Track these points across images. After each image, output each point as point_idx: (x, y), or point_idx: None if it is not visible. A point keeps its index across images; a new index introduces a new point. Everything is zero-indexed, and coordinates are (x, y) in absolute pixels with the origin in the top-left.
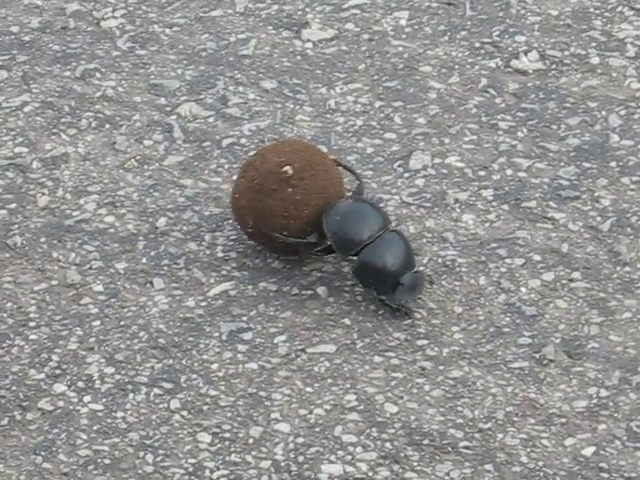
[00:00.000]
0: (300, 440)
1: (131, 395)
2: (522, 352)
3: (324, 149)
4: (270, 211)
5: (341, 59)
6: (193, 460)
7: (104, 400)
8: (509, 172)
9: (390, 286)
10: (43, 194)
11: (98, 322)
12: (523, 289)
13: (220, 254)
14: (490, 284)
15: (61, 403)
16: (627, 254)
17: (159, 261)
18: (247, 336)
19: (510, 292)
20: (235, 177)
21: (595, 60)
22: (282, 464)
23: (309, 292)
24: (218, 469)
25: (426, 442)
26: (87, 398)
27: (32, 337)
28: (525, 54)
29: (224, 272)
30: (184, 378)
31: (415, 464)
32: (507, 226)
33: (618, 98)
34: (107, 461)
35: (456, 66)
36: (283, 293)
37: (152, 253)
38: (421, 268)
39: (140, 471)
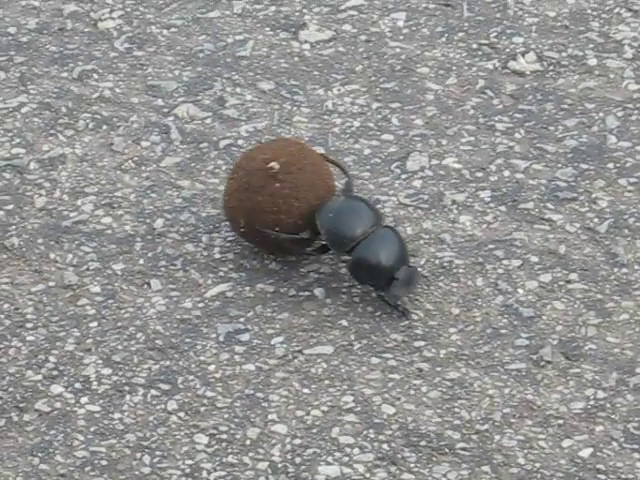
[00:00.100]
0: (297, 441)
1: (128, 396)
2: (519, 353)
3: (322, 150)
4: (260, 207)
5: (338, 60)
6: (190, 461)
7: (101, 401)
8: (506, 173)
9: (385, 281)
10: (40, 195)
11: (95, 323)
12: (520, 290)
13: (217, 255)
14: (487, 285)
15: (58, 404)
16: (624, 255)
17: (156, 262)
18: (244, 337)
19: (507, 293)
20: None
21: (593, 61)
22: (279, 465)
23: (306, 293)
24: (215, 470)
25: (423, 443)
26: (84, 399)
27: (29, 338)
28: (522, 55)
29: (221, 273)
30: (181, 379)
31: (412, 465)
32: (504, 227)
33: (615, 99)
34: (104, 462)
35: (453, 67)
36: (280, 294)
37: (149, 254)
38: (418, 269)
39: (137, 472)
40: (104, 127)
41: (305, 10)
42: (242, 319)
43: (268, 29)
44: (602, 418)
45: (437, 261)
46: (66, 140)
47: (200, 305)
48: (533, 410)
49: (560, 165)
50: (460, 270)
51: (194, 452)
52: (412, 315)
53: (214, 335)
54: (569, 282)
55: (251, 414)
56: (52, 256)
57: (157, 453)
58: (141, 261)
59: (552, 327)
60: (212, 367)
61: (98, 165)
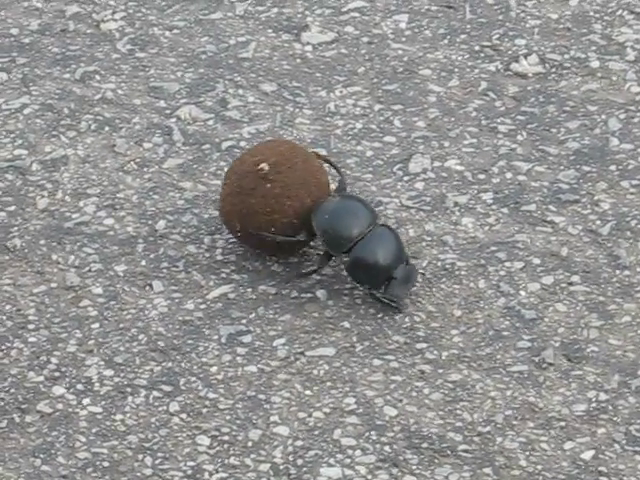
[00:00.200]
0: (299, 443)
1: (130, 398)
2: (521, 355)
3: (324, 152)
4: (253, 210)
5: (341, 62)
6: (192, 463)
7: (103, 403)
8: (509, 175)
9: (383, 281)
10: (42, 196)
11: (97, 325)
12: (522, 293)
13: (219, 257)
14: (489, 287)
15: (60, 406)
16: (626, 258)
17: (158, 264)
18: (246, 339)
19: (509, 295)
20: None
21: (595, 64)
22: (281, 467)
23: (308, 295)
24: (217, 472)
25: (425, 445)
26: (86, 401)
27: (31, 340)
28: (525, 57)
29: (223, 275)
30: (183, 381)
31: (414, 467)
32: (507, 229)
33: (618, 102)
34: (106, 464)
35: (456, 69)
36: (282, 296)
37: (151, 256)
38: (420, 272)
39: (139, 474)
40: (106, 128)
41: (307, 12)
42: (244, 321)
43: (270, 31)
44: (604, 420)
45: (439, 263)
46: (68, 141)
47: (202, 307)
48: (535, 412)
49: (562, 167)
50: (462, 272)
51: (196, 454)
52: (405, 311)
53: (216, 337)
54: (571, 284)
55: (253, 416)
56: (54, 257)
57: (159, 455)
58: (143, 262)
59: (554, 329)
60: (214, 369)
61: (100, 166)
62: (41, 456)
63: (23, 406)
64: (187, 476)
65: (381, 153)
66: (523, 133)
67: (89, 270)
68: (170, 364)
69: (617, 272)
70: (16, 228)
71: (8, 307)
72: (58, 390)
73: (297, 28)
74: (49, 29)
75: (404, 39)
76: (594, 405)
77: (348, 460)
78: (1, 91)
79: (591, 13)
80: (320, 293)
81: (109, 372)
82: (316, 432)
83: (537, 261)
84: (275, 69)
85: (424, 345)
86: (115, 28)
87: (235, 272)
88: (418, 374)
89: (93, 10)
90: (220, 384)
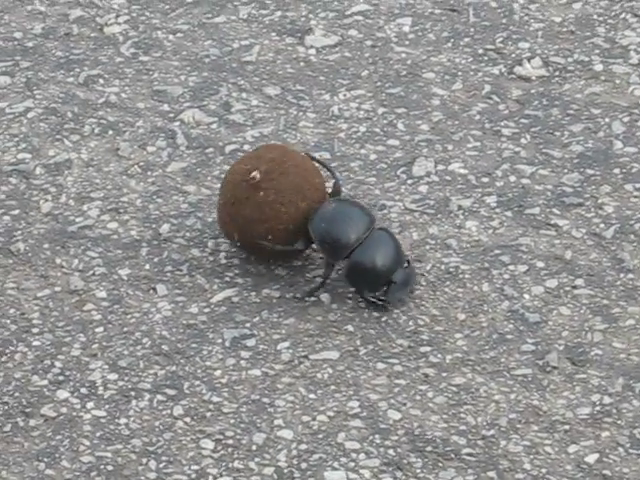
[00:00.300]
0: (303, 447)
1: (134, 401)
2: (525, 359)
3: (327, 155)
4: (249, 220)
5: (344, 65)
6: (196, 467)
7: (107, 406)
8: (512, 179)
9: (382, 285)
10: (46, 200)
11: (101, 328)
12: (526, 296)
13: (223, 260)
14: (493, 291)
15: (64, 409)
16: (630, 261)
17: (162, 267)
18: (250, 342)
19: (513, 299)
20: None
21: (598, 67)
22: (285, 471)
23: (312, 299)
24: (221, 476)
25: (429, 449)
26: (90, 404)
27: (35, 343)
28: (528, 61)
29: (227, 278)
30: (187, 385)
31: (418, 471)
32: (510, 233)
33: (621, 105)
34: (110, 467)
35: (459, 73)
36: (286, 300)
37: (155, 259)
38: (424, 275)
39: (143, 478)
40: (110, 132)
41: (311, 15)
42: (248, 324)
43: (274, 34)
44: (608, 424)
45: (443, 266)
46: (72, 145)
47: (206, 310)
48: (539, 416)
49: (566, 170)
50: (466, 275)
51: (200, 457)
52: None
53: (220, 340)
54: (575, 287)
55: (257, 419)
56: (58, 261)
57: (163, 458)
58: (147, 266)
59: (558, 332)
60: (218, 372)
61: (104, 170)
62: (45, 460)
63: (27, 410)
64: None
65: (385, 156)
66: (527, 136)
67: (93, 274)
68: (174, 368)
69: (621, 275)
70: (20, 232)
71: (12, 311)
72: (62, 394)
73: (301, 31)
74: (53, 33)
75: (408, 42)
76: (598, 408)
77: (352, 464)
78: (5, 95)
79: (594, 16)
80: (324, 297)
81: (113, 376)
82: (320, 436)
83: (541, 264)
84: (279, 72)
85: (428, 348)
86: (119, 32)
87: (239, 276)
88: (422, 377)
89: (97, 14)
90: (224, 388)
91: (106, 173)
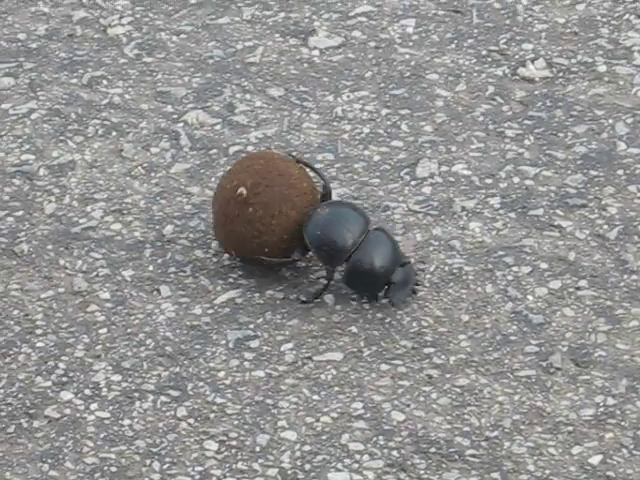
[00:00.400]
0: (307, 448)
1: (138, 403)
2: (529, 360)
3: (331, 157)
4: (243, 237)
5: (348, 67)
6: (200, 468)
7: (111, 408)
8: (516, 180)
9: (382, 287)
10: (50, 201)
11: (105, 330)
12: (530, 297)
13: (227, 262)
14: (497, 292)
15: (68, 411)
16: (634, 262)
17: (166, 269)
18: (254, 344)
19: (517, 300)
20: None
21: (602, 68)
22: (289, 472)
23: (316, 300)
24: (225, 477)
25: (433, 450)
26: (94, 406)
27: (39, 345)
28: (532, 62)
29: (231, 280)
30: (191, 386)
31: (422, 472)
32: (514, 234)
33: (625, 106)
34: (114, 469)
35: (463, 74)
36: (290, 301)
37: (159, 261)
38: (428, 276)
39: (147, 479)
40: (114, 133)
41: (314, 16)
42: (252, 325)
43: (277, 35)
44: (612, 425)
45: (447, 268)
46: (76, 146)
47: (210, 311)
48: (543, 417)
49: (570, 172)
50: (470, 277)
51: (204, 458)
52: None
53: (224, 341)
54: (579, 289)
55: (261, 420)
56: (62, 262)
57: (167, 460)
58: (151, 267)
59: (562, 334)
60: (222, 373)
61: (108, 171)
62: (49, 461)
63: (31, 411)
64: None
65: (388, 158)
66: (530, 137)
67: (97, 275)
68: (178, 369)
69: (625, 277)
70: (23, 233)
71: (16, 312)
72: (66, 395)
73: (304, 33)
74: (56, 34)
75: (411, 44)
76: (602, 410)
77: (356, 465)
78: (8, 96)
79: (598, 17)
80: (327, 298)
81: (117, 377)
82: (324, 437)
83: (544, 266)
84: (282, 74)
85: (432, 350)
86: (122, 33)
87: (242, 277)
88: (426, 379)
89: (100, 15)
90: (228, 389)
91: (110, 174)
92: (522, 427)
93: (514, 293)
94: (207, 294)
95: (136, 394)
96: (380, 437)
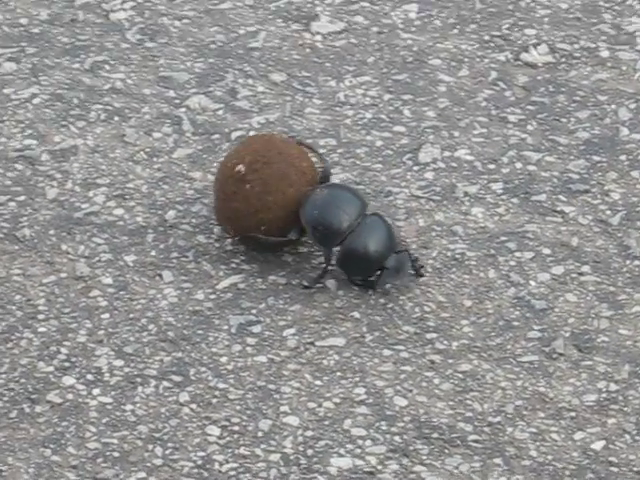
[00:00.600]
0: (309, 433)
1: (140, 388)
2: (532, 346)
3: (333, 142)
4: (240, 214)
5: (350, 52)
6: (202, 453)
7: (113, 393)
8: (519, 165)
9: (375, 271)
10: (52, 186)
11: (107, 315)
12: (532, 283)
13: (229, 247)
14: (499, 277)
15: (70, 396)
16: (637, 248)
17: (168, 254)
18: (256, 329)
19: (519, 286)
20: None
21: (605, 53)
22: (291, 457)
23: (318, 285)
24: (227, 462)
25: (435, 436)
26: (96, 391)
27: (41, 330)
28: (535, 47)
29: (233, 265)
30: (193, 371)
31: (424, 458)
32: (517, 219)
33: (628, 91)
34: (116, 454)
35: (466, 59)
36: (292, 286)
37: (161, 246)
38: (430, 262)
39: (149, 464)
40: (116, 118)
41: (317, 1)
42: (254, 311)
43: (280, 20)
44: (614, 411)
45: (449, 253)
46: (78, 131)
47: (212, 297)
48: (545, 402)
49: (572, 157)
50: (472, 262)
51: (206, 444)
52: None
53: (226, 327)
54: (581, 274)
55: (263, 406)
56: (64, 247)
57: (169, 445)
58: (153, 252)
59: (564, 319)
60: (224, 359)
61: (110, 156)
62: (51, 446)
63: (33, 396)
64: (197, 466)
65: (391, 143)
66: (533, 123)
67: (99, 260)
68: (180, 354)
69: (627, 262)
70: (26, 218)
71: (18, 297)
72: (68, 380)
73: (307, 18)
74: (58, 19)
75: (414, 29)
76: (604, 395)
77: (358, 450)
78: (10, 81)
79: (601, 3)
80: (330, 283)
81: (119, 362)
82: (326, 422)
83: (547, 251)
84: (284, 59)
85: (434, 335)
86: (124, 18)
87: (245, 262)
88: (428, 364)
89: (102, 0)
90: (230, 374)
91: (112, 159)
92: (525, 413)
93: (517, 278)
94: (209, 279)
95: (138, 379)
96: (382, 422)
